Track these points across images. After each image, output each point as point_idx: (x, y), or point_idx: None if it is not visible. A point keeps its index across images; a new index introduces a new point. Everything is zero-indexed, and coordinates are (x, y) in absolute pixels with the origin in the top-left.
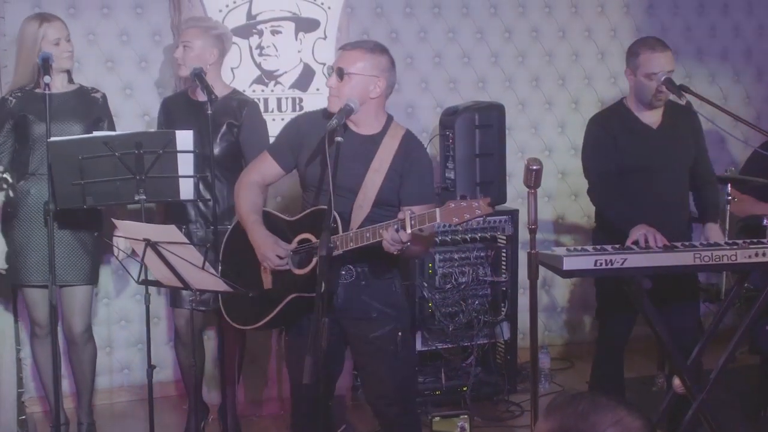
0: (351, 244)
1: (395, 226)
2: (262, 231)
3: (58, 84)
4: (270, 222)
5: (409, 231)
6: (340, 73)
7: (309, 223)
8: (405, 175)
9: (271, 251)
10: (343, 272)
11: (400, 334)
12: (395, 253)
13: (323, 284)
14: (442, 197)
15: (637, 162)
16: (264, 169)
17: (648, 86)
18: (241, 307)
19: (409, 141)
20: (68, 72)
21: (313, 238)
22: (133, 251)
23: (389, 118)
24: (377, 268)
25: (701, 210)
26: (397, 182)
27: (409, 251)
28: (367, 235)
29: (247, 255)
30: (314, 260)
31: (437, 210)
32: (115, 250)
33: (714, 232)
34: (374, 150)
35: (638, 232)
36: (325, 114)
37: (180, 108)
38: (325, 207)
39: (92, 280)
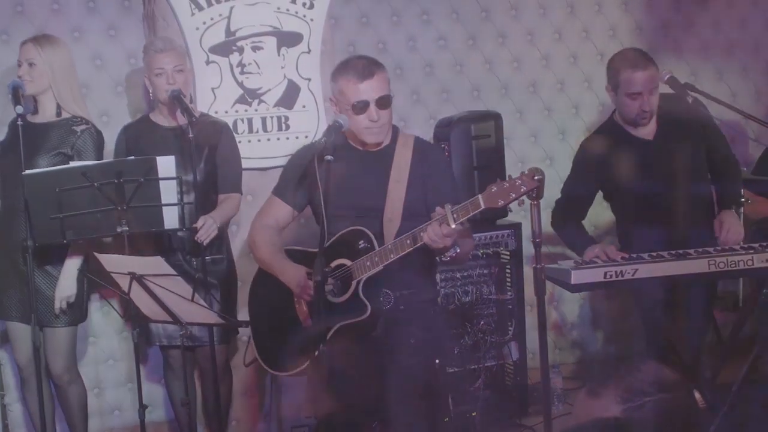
0: (392, 255)
1: (437, 224)
2: (290, 265)
3: (42, 112)
4: (297, 258)
5: (453, 225)
6: (389, 102)
7: (341, 247)
8: (427, 180)
9: (305, 280)
10: (381, 299)
11: (438, 361)
12: (443, 251)
13: (321, 308)
14: None
15: (637, 179)
16: (275, 212)
17: (631, 106)
18: (280, 351)
19: (423, 145)
20: (55, 101)
21: (348, 262)
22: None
23: (396, 129)
24: (416, 291)
25: (717, 199)
26: (421, 190)
27: (460, 253)
28: (408, 241)
29: (276, 302)
30: (353, 284)
31: (479, 196)
32: (57, 303)
33: (727, 218)
34: (389, 162)
35: (592, 254)
36: (340, 141)
37: (148, 135)
38: (357, 228)
39: (74, 320)
